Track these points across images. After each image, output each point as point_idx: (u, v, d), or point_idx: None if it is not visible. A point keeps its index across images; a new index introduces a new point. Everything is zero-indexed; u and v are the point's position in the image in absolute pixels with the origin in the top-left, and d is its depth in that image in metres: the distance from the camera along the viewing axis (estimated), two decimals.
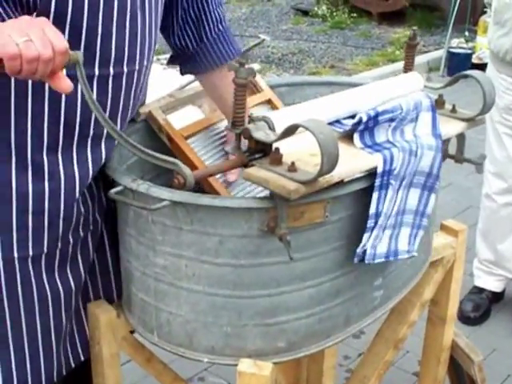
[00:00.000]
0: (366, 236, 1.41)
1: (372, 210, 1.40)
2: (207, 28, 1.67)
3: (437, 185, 1.54)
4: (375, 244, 1.43)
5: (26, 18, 1.20)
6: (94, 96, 1.38)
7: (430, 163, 1.50)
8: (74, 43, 1.30)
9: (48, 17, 1.29)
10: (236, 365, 1.39)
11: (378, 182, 1.38)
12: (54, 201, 1.44)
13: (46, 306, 1.51)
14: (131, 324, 1.56)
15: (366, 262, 1.42)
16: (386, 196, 1.41)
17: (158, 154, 1.30)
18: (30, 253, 1.46)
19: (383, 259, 1.47)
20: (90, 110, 1.27)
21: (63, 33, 1.29)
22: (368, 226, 1.40)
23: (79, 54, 1.21)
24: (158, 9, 1.51)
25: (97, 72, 1.40)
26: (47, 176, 1.42)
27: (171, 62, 1.75)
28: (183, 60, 1.71)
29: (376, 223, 1.41)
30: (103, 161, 1.49)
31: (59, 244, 1.49)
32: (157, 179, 1.57)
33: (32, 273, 1.47)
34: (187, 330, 1.43)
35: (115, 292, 1.66)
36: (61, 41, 1.17)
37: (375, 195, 1.39)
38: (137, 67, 1.47)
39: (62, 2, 1.30)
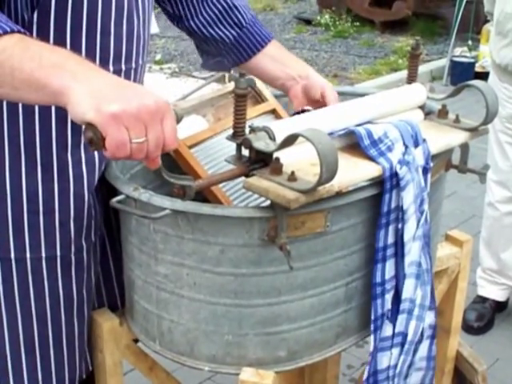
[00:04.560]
0: None
1: None
2: (243, 13, 1.71)
3: None
4: None
5: (150, 98, 1.08)
6: None
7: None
8: (75, 41, 1.33)
9: (48, 14, 1.30)
10: (237, 374, 1.39)
11: None
12: (63, 200, 1.45)
13: (59, 311, 1.51)
14: (134, 332, 1.56)
15: None
16: None
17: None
18: (43, 254, 1.46)
19: None
20: None
21: (64, 32, 1.32)
22: None
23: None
24: (150, 9, 1.52)
25: None
26: (56, 175, 1.42)
27: (208, 65, 1.80)
28: (225, 53, 1.73)
29: None
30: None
31: (73, 248, 1.49)
32: (160, 189, 1.57)
33: (45, 275, 1.47)
34: (188, 339, 1.43)
35: (119, 300, 1.66)
36: (173, 141, 1.11)
37: None
38: (133, 65, 1.49)
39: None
